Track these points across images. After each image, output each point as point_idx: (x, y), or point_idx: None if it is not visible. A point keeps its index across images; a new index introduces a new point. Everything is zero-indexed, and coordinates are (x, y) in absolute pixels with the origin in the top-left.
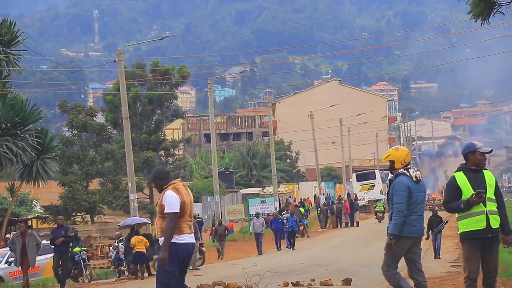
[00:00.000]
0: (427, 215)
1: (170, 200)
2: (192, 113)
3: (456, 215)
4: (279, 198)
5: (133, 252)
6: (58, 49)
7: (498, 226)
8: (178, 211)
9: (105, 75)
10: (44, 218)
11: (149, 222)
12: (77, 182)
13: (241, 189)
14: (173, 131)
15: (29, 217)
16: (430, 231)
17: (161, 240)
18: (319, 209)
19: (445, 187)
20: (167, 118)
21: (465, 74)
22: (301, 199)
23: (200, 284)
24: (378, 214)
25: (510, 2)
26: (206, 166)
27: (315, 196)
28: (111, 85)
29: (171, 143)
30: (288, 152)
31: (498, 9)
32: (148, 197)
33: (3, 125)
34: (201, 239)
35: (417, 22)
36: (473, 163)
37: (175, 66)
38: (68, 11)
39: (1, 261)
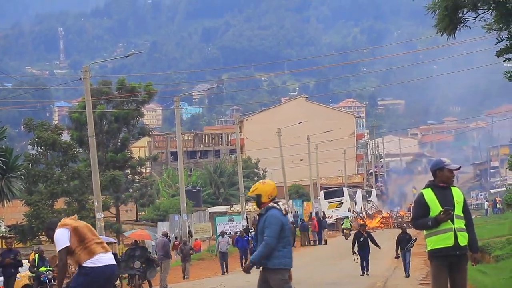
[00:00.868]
0: (396, 233)
1: (57, 239)
2: (158, 131)
3: (424, 232)
4: (246, 216)
5: None
6: (23, 67)
7: (466, 244)
8: (68, 243)
9: (71, 93)
10: (9, 238)
11: (115, 241)
12: (43, 201)
13: (208, 207)
14: (139, 149)
15: None
16: (400, 249)
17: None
18: None
19: (413, 204)
20: (133, 136)
21: (432, 91)
22: None
23: None
24: (345, 231)
25: (476, 17)
26: (173, 184)
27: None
28: (76, 103)
29: (137, 161)
30: (255, 170)
31: (464, 24)
32: (114, 215)
33: None
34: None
35: (383, 39)
36: (441, 180)
37: (142, 83)
38: (33, 29)
39: None
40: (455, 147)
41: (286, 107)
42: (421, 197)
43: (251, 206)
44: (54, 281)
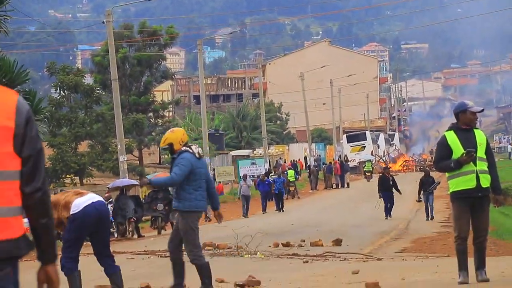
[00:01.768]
0: (418, 176)
1: None
2: (181, 74)
3: (447, 174)
4: (269, 160)
5: None
6: (45, 10)
7: (488, 186)
8: None
9: (94, 36)
10: None
11: (138, 184)
12: (66, 144)
13: (231, 151)
14: (162, 93)
15: None
16: (422, 191)
17: None
18: (309, 171)
19: (436, 147)
20: (156, 79)
21: (456, 34)
22: (293, 161)
23: None
24: (366, 174)
25: None
26: (195, 128)
27: (305, 157)
28: (99, 47)
29: (160, 104)
30: (278, 114)
31: None
32: (137, 159)
33: None
34: None
35: None
36: (464, 122)
37: (163, 26)
38: None
39: None
40: (479, 91)
41: (309, 51)
42: (443, 140)
43: (274, 149)
44: None
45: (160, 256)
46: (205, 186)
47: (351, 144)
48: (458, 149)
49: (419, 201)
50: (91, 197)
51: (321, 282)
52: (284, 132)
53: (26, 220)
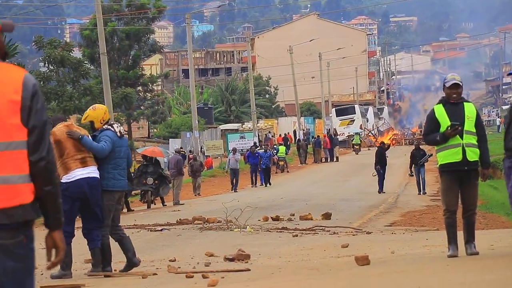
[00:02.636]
0: (408, 150)
1: None
2: (170, 48)
3: (436, 147)
4: (258, 134)
5: None
6: None
7: (476, 159)
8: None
9: (82, 9)
10: None
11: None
12: None
13: (220, 125)
14: (151, 66)
15: None
16: (413, 165)
17: None
18: (298, 145)
19: (425, 120)
20: (144, 53)
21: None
22: (284, 135)
23: (179, 219)
24: (355, 146)
25: None
26: (184, 102)
27: (294, 131)
28: (88, 20)
29: (149, 78)
30: (267, 88)
31: None
32: (126, 132)
33: None
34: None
35: None
36: (447, 96)
37: (151, 0)
38: None
39: None
40: (468, 64)
41: (297, 25)
42: (432, 113)
43: (263, 123)
44: None
45: (150, 230)
46: (125, 165)
47: (340, 118)
48: (445, 123)
49: (411, 175)
50: (90, 171)
51: (310, 255)
52: (273, 106)
53: None
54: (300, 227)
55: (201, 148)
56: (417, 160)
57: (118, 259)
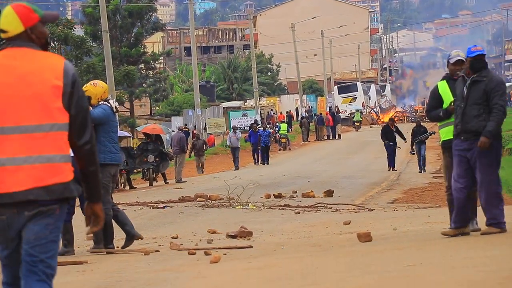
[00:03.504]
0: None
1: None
2: (172, 26)
3: (438, 124)
4: (260, 112)
5: None
6: None
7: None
8: None
9: None
10: None
11: (130, 136)
12: None
13: (222, 102)
14: (153, 44)
15: None
16: (414, 143)
17: None
18: (300, 122)
19: (427, 97)
20: (147, 31)
21: None
22: (287, 112)
23: (181, 196)
24: (356, 123)
25: None
26: (186, 80)
27: (296, 109)
28: None
29: (151, 56)
30: (269, 65)
31: None
32: (128, 110)
33: None
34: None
35: None
36: (451, 73)
37: None
38: None
39: None
40: (470, 41)
41: (300, 2)
42: (435, 89)
43: (265, 101)
44: None
45: (152, 208)
46: (117, 140)
47: (342, 95)
48: (448, 99)
49: (413, 153)
50: None
51: (312, 232)
52: (275, 84)
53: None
54: (302, 204)
55: (205, 125)
56: (418, 136)
57: (120, 236)
